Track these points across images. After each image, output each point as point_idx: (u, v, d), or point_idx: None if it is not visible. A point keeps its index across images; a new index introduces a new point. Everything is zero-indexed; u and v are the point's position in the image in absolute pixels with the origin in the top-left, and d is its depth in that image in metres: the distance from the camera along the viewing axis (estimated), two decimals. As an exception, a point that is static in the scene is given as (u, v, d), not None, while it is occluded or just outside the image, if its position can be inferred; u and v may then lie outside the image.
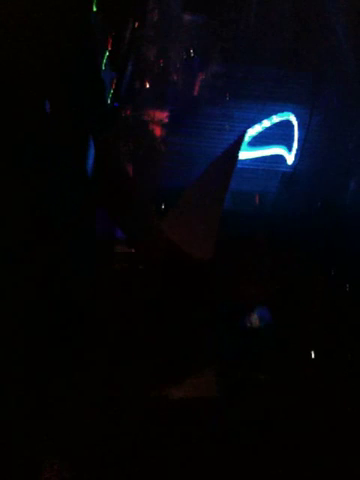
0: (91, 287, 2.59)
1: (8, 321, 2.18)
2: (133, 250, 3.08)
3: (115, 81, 2.82)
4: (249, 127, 3.83)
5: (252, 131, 3.89)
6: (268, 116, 3.99)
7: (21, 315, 2.24)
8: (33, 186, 2.30)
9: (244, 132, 3.34)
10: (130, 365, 2.60)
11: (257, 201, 4.17)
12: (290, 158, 4.12)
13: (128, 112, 3.65)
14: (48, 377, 2.34)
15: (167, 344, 2.68)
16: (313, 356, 3.01)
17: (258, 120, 3.94)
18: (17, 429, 2.21)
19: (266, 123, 3.94)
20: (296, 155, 4.08)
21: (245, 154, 3.90)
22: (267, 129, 4.00)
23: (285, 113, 4.01)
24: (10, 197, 2.23)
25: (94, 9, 2.36)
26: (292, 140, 4.13)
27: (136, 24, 2.92)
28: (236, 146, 3.21)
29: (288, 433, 2.52)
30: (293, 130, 4.10)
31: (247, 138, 3.79)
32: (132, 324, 2.68)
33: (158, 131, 3.87)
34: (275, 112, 4.01)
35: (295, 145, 4.08)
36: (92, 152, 2.62)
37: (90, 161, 2.61)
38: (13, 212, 2.23)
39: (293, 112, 4.09)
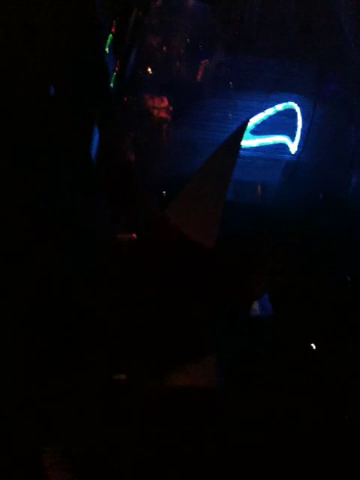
0: (91, 284, 2.58)
1: (8, 321, 2.18)
2: (135, 237, 3.07)
3: (118, 66, 2.81)
4: (252, 117, 3.82)
5: (255, 119, 3.88)
6: (272, 106, 3.97)
7: (21, 315, 2.24)
8: (35, 176, 2.29)
9: (247, 121, 3.33)
10: (130, 364, 2.60)
11: (259, 192, 4.17)
12: (293, 147, 4.11)
13: (131, 100, 3.64)
14: (48, 377, 2.34)
15: (167, 341, 2.67)
16: (314, 354, 3.00)
17: (262, 110, 3.93)
18: (17, 429, 2.21)
19: (269, 111, 3.93)
20: (299, 145, 4.06)
21: (248, 142, 3.89)
22: (270, 118, 3.99)
23: (289, 102, 4.00)
24: (11, 191, 2.23)
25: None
26: (295, 129, 4.11)
27: (140, 9, 2.91)
28: (239, 134, 3.19)
29: (288, 433, 2.52)
30: (296, 119, 4.09)
31: (250, 126, 3.77)
32: (132, 322, 2.67)
33: (161, 120, 3.86)
34: (279, 102, 3.99)
35: (298, 135, 4.07)
36: (97, 137, 2.61)
37: (95, 146, 2.60)
38: (14, 207, 2.23)
39: (297, 102, 4.07)
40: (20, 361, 2.25)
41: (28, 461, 2.24)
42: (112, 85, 2.75)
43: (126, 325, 2.63)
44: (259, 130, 4.02)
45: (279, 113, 4.04)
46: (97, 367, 2.51)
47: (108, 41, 2.60)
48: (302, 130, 4.10)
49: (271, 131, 4.06)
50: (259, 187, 4.23)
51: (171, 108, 3.94)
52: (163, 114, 3.90)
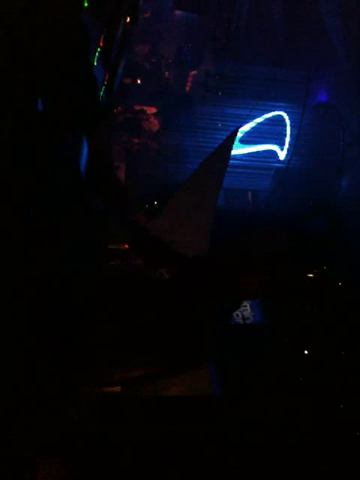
0: (90, 287, 2.59)
1: (8, 321, 2.18)
2: (127, 247, 3.08)
3: (107, 78, 2.82)
4: (242, 125, 3.85)
5: (245, 127, 3.91)
6: (261, 114, 4.01)
7: (21, 315, 2.25)
8: (28, 186, 2.30)
9: (236, 129, 3.35)
10: (130, 364, 2.61)
11: (250, 198, 4.20)
12: (282, 154, 4.15)
13: (120, 110, 3.66)
14: (48, 377, 2.35)
15: (166, 343, 2.68)
16: (311, 355, 3.02)
17: (251, 118, 3.97)
18: (17, 429, 2.21)
19: (258, 119, 3.96)
20: (288, 152, 4.10)
21: (238, 151, 3.93)
22: (259, 126, 4.03)
23: (277, 111, 4.04)
24: (6, 199, 2.23)
25: (85, 5, 2.35)
26: (284, 137, 4.15)
27: (128, 21, 2.92)
28: (229, 143, 3.22)
29: (288, 433, 2.53)
30: (285, 127, 4.13)
31: (239, 134, 3.80)
32: (131, 323, 2.68)
33: (151, 129, 3.88)
34: (268, 110, 4.03)
35: (287, 142, 4.11)
36: (86, 150, 2.62)
37: (84, 158, 2.61)
38: (11, 213, 2.24)
39: (285, 110, 4.12)
40: (20, 361, 2.25)
41: (28, 461, 2.24)
42: (101, 97, 2.75)
43: (123, 332, 2.64)
44: (248, 138, 4.06)
45: (268, 121, 4.08)
46: (95, 368, 2.52)
47: (96, 54, 2.60)
48: (291, 137, 4.14)
49: (260, 139, 4.10)
50: (250, 194, 4.27)
51: (160, 117, 3.97)
52: (152, 123, 3.92)
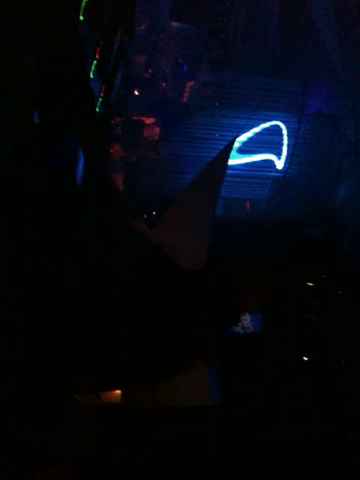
0: (88, 291, 2.59)
1: (8, 321, 2.17)
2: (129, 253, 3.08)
3: (104, 90, 2.84)
4: (239, 135, 3.87)
5: (242, 137, 3.93)
6: (258, 124, 4.03)
7: (21, 315, 2.24)
8: (26, 197, 2.30)
9: (233, 140, 3.36)
10: (130, 365, 2.60)
11: (248, 207, 4.21)
12: (280, 164, 4.16)
13: (118, 120, 3.68)
14: (48, 377, 2.34)
15: (165, 347, 2.68)
16: (311, 363, 3.01)
17: (248, 128, 3.99)
18: (17, 428, 2.20)
19: (255, 129, 3.98)
20: (286, 161, 4.12)
21: (235, 161, 3.94)
22: (256, 136, 4.05)
23: (274, 120, 4.06)
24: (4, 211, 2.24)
25: (81, 18, 2.37)
26: (281, 146, 4.17)
27: (124, 33, 2.94)
28: (226, 153, 3.22)
29: (288, 434, 2.52)
30: (282, 137, 4.15)
31: (237, 144, 3.82)
32: (131, 327, 2.67)
33: (148, 139, 3.90)
34: (264, 120, 4.05)
35: (284, 151, 4.12)
36: (82, 162, 2.62)
37: (80, 170, 2.61)
38: (10, 226, 2.24)
39: (282, 120, 4.14)
40: (21, 360, 2.24)
41: (28, 461, 2.23)
42: (98, 109, 2.77)
43: (122, 343, 2.63)
44: (246, 148, 4.08)
45: (265, 131, 4.10)
46: (97, 367, 2.52)
47: (92, 67, 2.62)
48: (288, 146, 4.15)
49: (257, 149, 4.12)
50: (248, 203, 4.28)
51: (158, 127, 3.99)
52: (151, 133, 3.94)
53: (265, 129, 4.09)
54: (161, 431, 2.45)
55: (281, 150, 4.15)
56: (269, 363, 2.84)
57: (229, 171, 3.45)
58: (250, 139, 4.02)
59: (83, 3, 2.36)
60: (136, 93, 3.76)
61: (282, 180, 4.14)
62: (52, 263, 2.38)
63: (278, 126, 4.13)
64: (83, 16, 2.38)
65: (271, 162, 4.18)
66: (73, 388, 2.47)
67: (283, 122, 4.13)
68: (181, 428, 2.47)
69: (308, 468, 2.41)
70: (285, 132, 4.10)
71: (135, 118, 3.84)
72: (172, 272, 2.84)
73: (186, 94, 4.05)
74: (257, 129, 3.98)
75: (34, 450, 2.25)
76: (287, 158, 4.13)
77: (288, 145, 4.13)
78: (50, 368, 2.34)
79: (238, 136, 3.78)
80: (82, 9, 2.34)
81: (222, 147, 3.35)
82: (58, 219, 2.43)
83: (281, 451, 2.46)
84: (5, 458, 2.07)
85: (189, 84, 4.06)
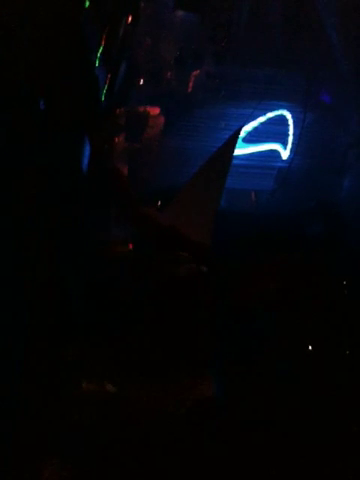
0: (90, 287, 2.59)
1: (8, 321, 2.17)
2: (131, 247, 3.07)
3: (109, 78, 2.82)
4: (244, 125, 3.84)
5: (247, 127, 3.90)
6: (263, 114, 4.00)
7: (21, 315, 2.24)
8: (29, 186, 2.29)
9: (239, 129, 3.35)
10: (130, 365, 2.59)
11: (253, 199, 4.18)
12: (285, 154, 4.14)
13: (122, 110, 3.65)
14: (48, 378, 2.33)
15: (166, 345, 2.67)
16: (313, 356, 3.00)
17: (253, 118, 3.96)
18: (17, 428, 2.19)
19: (261, 118, 3.96)
20: (291, 151, 4.09)
21: (240, 150, 3.91)
22: (262, 126, 4.02)
23: (280, 110, 4.03)
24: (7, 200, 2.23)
25: (87, 5, 2.36)
26: (287, 136, 4.14)
27: (129, 21, 2.93)
28: (231, 143, 3.21)
29: (287, 434, 2.51)
30: (288, 127, 4.12)
31: (242, 134, 3.80)
32: (132, 324, 2.67)
33: (152, 130, 3.87)
34: (270, 110, 4.02)
35: (290, 141, 4.10)
36: (88, 151, 2.61)
37: (85, 160, 2.60)
38: (11, 214, 2.24)
39: (288, 110, 4.10)
40: (21, 360, 2.24)
41: (28, 461, 2.22)
42: (103, 98, 2.75)
43: (123, 334, 2.63)
44: (251, 138, 4.04)
45: (270, 121, 4.07)
46: (97, 367, 2.51)
47: (98, 54, 2.61)
48: (293, 136, 4.13)
49: (263, 139, 4.09)
50: (252, 194, 4.25)
51: (162, 118, 3.96)
52: (155, 124, 3.91)
53: (271, 119, 4.06)
54: (161, 430, 2.45)
55: (287, 140, 4.13)
56: (269, 363, 2.83)
57: (234, 161, 3.44)
58: (256, 129, 3.99)
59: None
60: (140, 83, 3.73)
61: (287, 170, 4.11)
62: (52, 263, 2.38)
63: (284, 116, 4.10)
64: (88, 2, 2.38)
65: (277, 152, 4.16)
66: (74, 385, 2.46)
67: (289, 112, 4.10)
68: (181, 427, 2.47)
69: (308, 468, 2.41)
70: (291, 122, 4.08)
71: (138, 108, 3.82)
72: (173, 271, 2.84)
73: (190, 85, 4.02)
74: (263, 119, 3.95)
75: (35, 445, 2.24)
76: (292, 148, 4.11)
77: (294, 135, 4.10)
78: (50, 368, 2.34)
79: (244, 126, 3.75)
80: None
81: (227, 138, 3.34)
82: (58, 219, 2.43)
83: (281, 451, 2.45)
84: (5, 457, 2.07)
85: (194, 74, 4.04)
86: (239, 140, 3.57)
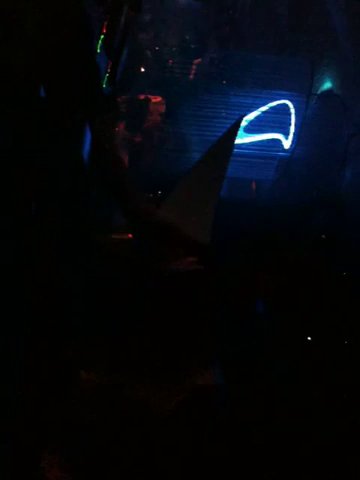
0: (90, 287, 2.59)
1: (8, 321, 2.18)
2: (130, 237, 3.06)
3: (110, 65, 2.79)
4: (246, 114, 3.82)
5: (249, 116, 3.88)
6: (265, 103, 3.98)
7: (21, 315, 2.25)
8: (29, 175, 2.28)
9: (240, 118, 3.32)
10: (130, 365, 2.60)
11: (254, 188, 4.17)
12: (287, 143, 4.11)
13: (124, 98, 3.63)
14: (48, 378, 2.35)
15: (166, 343, 2.68)
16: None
17: (255, 107, 3.94)
18: (17, 428, 2.21)
19: (263, 108, 3.93)
20: (293, 141, 4.07)
21: (242, 140, 3.90)
22: (264, 115, 4.00)
23: (282, 99, 4.01)
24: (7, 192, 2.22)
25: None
26: (288, 126, 4.12)
27: (131, 7, 2.88)
28: (233, 132, 3.18)
29: (289, 434, 2.53)
30: (290, 116, 4.09)
31: (244, 123, 3.77)
32: (132, 323, 2.67)
33: (154, 118, 3.85)
34: (272, 99, 4.00)
35: (292, 130, 4.07)
36: (88, 138, 2.60)
37: (86, 147, 2.59)
38: (10, 206, 2.23)
39: (290, 99, 4.08)
40: (21, 360, 2.25)
41: (28, 461, 2.24)
42: (104, 85, 2.73)
43: (123, 334, 2.64)
44: (253, 127, 4.02)
45: (272, 110, 4.04)
46: (97, 367, 2.52)
47: (99, 41, 2.58)
48: (295, 126, 4.10)
49: (265, 128, 4.07)
50: (253, 184, 4.24)
51: (164, 106, 3.94)
52: (156, 112, 3.89)
53: (273, 108, 4.03)
54: (161, 430, 2.47)
55: (288, 130, 4.10)
56: (269, 363, 2.84)
57: (235, 150, 3.41)
58: (257, 118, 3.97)
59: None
60: (142, 70, 3.71)
61: (288, 160, 4.10)
62: (52, 263, 2.37)
63: (286, 105, 4.07)
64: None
65: (278, 141, 4.13)
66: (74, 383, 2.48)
67: (291, 101, 4.07)
68: (181, 427, 2.48)
69: (308, 468, 2.43)
70: (293, 111, 4.05)
71: (141, 96, 3.80)
72: (172, 271, 2.83)
73: (193, 72, 3.99)
74: (265, 108, 3.93)
75: (35, 444, 2.27)
76: (294, 138, 4.08)
77: (295, 124, 4.07)
78: (50, 368, 2.35)
79: (245, 115, 3.73)
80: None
81: (229, 126, 3.31)
82: (59, 218, 2.42)
83: (281, 451, 2.46)
84: (5, 457, 2.10)
85: (196, 62, 4.00)
86: (240, 129, 3.54)
